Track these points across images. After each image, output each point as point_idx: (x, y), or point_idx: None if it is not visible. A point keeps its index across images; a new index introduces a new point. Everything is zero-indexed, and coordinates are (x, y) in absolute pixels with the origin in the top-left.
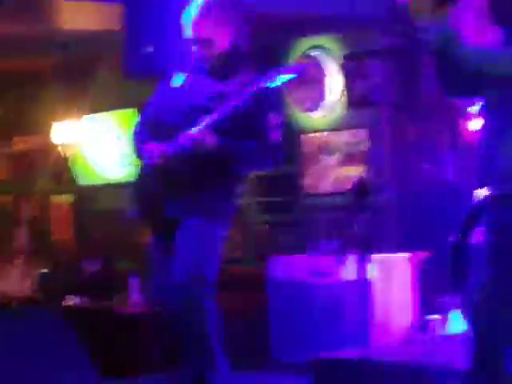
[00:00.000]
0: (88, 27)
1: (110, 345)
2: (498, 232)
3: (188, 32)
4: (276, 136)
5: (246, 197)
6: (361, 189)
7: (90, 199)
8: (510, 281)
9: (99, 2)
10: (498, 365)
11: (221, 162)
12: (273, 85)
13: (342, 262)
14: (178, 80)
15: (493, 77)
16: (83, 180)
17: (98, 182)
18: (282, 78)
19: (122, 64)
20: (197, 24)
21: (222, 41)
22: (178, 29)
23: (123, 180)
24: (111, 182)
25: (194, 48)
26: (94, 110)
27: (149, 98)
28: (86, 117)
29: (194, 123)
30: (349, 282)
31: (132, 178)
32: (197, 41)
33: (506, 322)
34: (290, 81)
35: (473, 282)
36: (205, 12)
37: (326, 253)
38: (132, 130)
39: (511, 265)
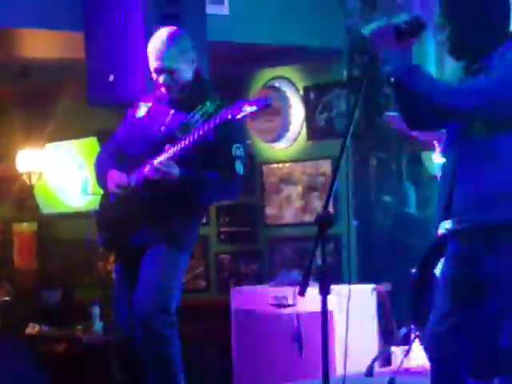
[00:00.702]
0: (50, 55)
1: (72, 373)
2: (458, 265)
3: (152, 62)
4: (239, 167)
5: (209, 227)
6: (323, 220)
7: (52, 227)
8: (468, 313)
9: (61, 30)
10: None
11: (184, 192)
12: (236, 117)
13: (303, 293)
14: (142, 110)
15: (451, 112)
16: (46, 208)
17: (61, 210)
18: (246, 111)
19: (86, 92)
20: (160, 54)
21: (186, 71)
22: (141, 58)
23: (85, 208)
24: (73, 210)
25: (157, 78)
26: (57, 138)
27: (113, 127)
28: (49, 145)
29: (157, 153)
30: (310, 313)
31: (94, 207)
32: (160, 71)
33: (465, 354)
34: (253, 113)
35: (433, 314)
36: (168, 43)
37: (288, 283)
38: (95, 158)
39: (471, 297)
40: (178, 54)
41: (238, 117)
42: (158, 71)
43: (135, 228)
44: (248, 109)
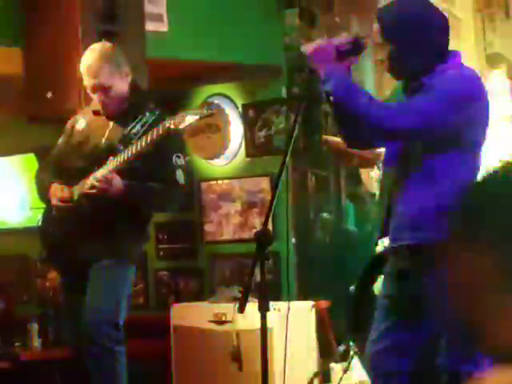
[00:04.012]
0: None
1: None
2: (395, 283)
3: (86, 80)
4: (180, 177)
5: (148, 243)
6: (262, 237)
7: None
8: (406, 331)
9: None
10: None
11: (128, 204)
12: (179, 127)
13: (242, 310)
14: (81, 123)
15: (389, 132)
16: None
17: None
18: (188, 120)
19: (24, 108)
20: (94, 72)
21: (121, 85)
22: (78, 73)
23: (23, 225)
24: (11, 226)
25: (93, 94)
26: None
27: (51, 143)
28: None
29: (99, 166)
30: (250, 330)
31: (34, 223)
32: (95, 89)
33: (403, 372)
34: (192, 123)
35: (372, 332)
36: (101, 60)
37: (228, 300)
38: (35, 172)
39: (409, 315)
40: (111, 70)
41: (181, 127)
42: (93, 89)
43: (80, 242)
44: (190, 118)
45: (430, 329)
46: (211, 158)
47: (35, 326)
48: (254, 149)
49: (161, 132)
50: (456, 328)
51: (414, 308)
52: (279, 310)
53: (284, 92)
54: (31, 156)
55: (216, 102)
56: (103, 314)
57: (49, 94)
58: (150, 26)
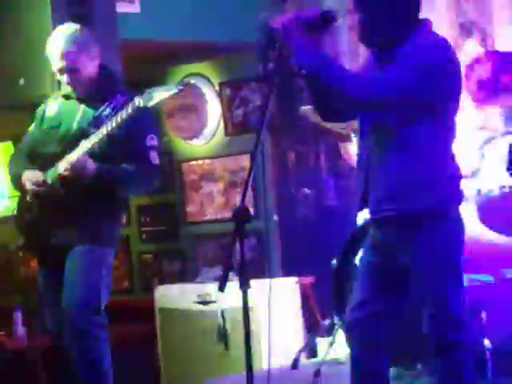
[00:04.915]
0: None
1: None
2: (376, 254)
3: (53, 62)
4: (154, 157)
5: (130, 226)
6: (240, 215)
7: None
8: (388, 301)
9: None
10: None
11: (102, 187)
12: (149, 104)
13: (222, 289)
14: (52, 108)
15: (363, 103)
16: None
17: None
18: (159, 97)
19: None
20: (60, 55)
21: (90, 67)
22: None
23: (2, 214)
24: None
25: (62, 77)
26: None
27: (25, 129)
28: None
29: (71, 150)
30: (234, 309)
31: (11, 211)
32: (63, 71)
33: (385, 341)
34: (165, 99)
35: (353, 300)
36: (67, 42)
37: (210, 280)
38: (8, 161)
39: (391, 285)
40: (78, 52)
41: (150, 104)
42: (61, 71)
43: (55, 228)
44: (159, 95)
45: (412, 298)
46: (190, 138)
47: (19, 315)
48: (233, 127)
49: (130, 111)
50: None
51: (395, 278)
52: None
53: (259, 69)
54: (8, 144)
55: (192, 81)
56: (83, 299)
57: (21, 81)
58: (121, 8)
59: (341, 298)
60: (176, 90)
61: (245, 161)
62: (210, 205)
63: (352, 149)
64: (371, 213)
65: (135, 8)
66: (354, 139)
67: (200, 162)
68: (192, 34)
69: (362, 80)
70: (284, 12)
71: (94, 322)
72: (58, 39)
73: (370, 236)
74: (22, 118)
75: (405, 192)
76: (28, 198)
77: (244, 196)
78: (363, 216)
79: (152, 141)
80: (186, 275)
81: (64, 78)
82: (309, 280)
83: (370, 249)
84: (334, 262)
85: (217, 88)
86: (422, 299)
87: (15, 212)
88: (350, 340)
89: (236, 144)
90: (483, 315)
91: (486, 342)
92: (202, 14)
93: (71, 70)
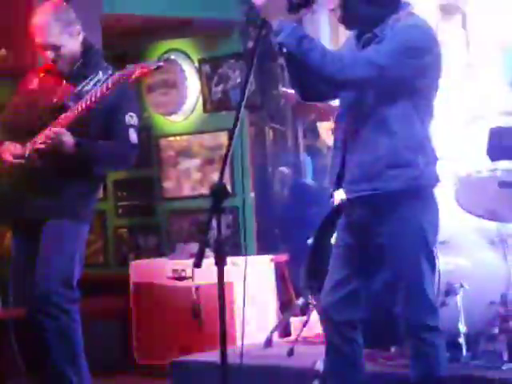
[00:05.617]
0: None
1: None
2: (351, 234)
3: (37, 38)
4: (133, 136)
5: (106, 201)
6: (218, 191)
7: None
8: (362, 281)
9: None
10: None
11: (79, 162)
12: (129, 78)
13: (199, 265)
14: (34, 81)
15: (341, 82)
16: None
17: None
18: (138, 71)
19: None
20: (43, 31)
21: (72, 44)
22: (29, 31)
23: None
24: None
25: (44, 52)
26: None
27: (6, 100)
28: None
29: (50, 124)
30: (209, 285)
31: None
32: (46, 47)
33: (360, 322)
34: (143, 74)
35: (327, 282)
36: (50, 18)
37: (186, 256)
38: None
39: (365, 266)
40: (61, 28)
41: (131, 79)
42: (44, 47)
43: (31, 200)
44: (140, 70)
45: (386, 279)
46: (169, 114)
47: None
48: (212, 104)
49: (110, 85)
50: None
51: (369, 258)
52: (236, 265)
53: (241, 46)
54: None
55: (172, 57)
56: (56, 273)
57: (2, 51)
58: None
59: (315, 278)
60: (156, 66)
61: (223, 138)
62: (187, 181)
63: (330, 128)
64: (347, 192)
65: None
66: (332, 118)
67: (178, 138)
68: (173, 9)
69: (340, 59)
70: None
71: (66, 296)
72: (41, 15)
73: (344, 216)
74: (3, 89)
75: (377, 172)
76: (4, 171)
77: (222, 173)
78: (339, 195)
79: (131, 119)
80: (161, 251)
81: (46, 54)
82: (283, 258)
83: (344, 229)
84: (310, 241)
85: (196, 64)
86: (396, 280)
87: None
88: (325, 322)
89: (214, 121)
90: (458, 298)
91: (461, 326)
92: None
93: (54, 47)
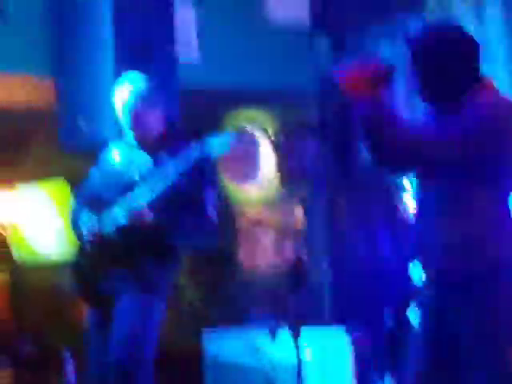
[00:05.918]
0: (19, 99)
1: None
2: (432, 317)
3: (122, 116)
4: (212, 212)
5: (182, 272)
6: (297, 268)
7: (26, 277)
8: (446, 368)
9: (29, 74)
10: None
11: (158, 237)
12: (210, 153)
13: (276, 339)
14: (116, 155)
15: (422, 157)
16: (20, 257)
17: (35, 258)
18: (219, 147)
19: (57, 138)
20: (131, 110)
21: (156, 124)
22: (112, 103)
23: (60, 257)
24: (47, 259)
25: (130, 132)
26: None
27: (86, 173)
28: (19, 189)
29: (130, 198)
30: (283, 362)
31: (69, 256)
32: (133, 126)
33: None
34: (225, 150)
35: (409, 367)
36: (139, 98)
37: (261, 329)
38: (69, 206)
39: (446, 351)
40: (146, 110)
41: (212, 154)
42: (127, 126)
43: (110, 276)
44: (220, 146)
45: (467, 364)
46: (245, 185)
47: (71, 360)
48: (287, 175)
49: (191, 163)
50: None
51: (446, 347)
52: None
53: (316, 118)
54: (62, 182)
55: (247, 127)
56: (131, 352)
57: (83, 123)
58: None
59: (395, 359)
60: (233, 139)
61: (297, 211)
62: (262, 254)
63: (410, 201)
64: (426, 273)
65: (194, 56)
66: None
67: (253, 210)
68: (249, 81)
69: (415, 137)
70: (342, 61)
71: (141, 371)
72: (127, 94)
73: (424, 297)
74: (82, 160)
75: (463, 254)
76: (85, 246)
77: (299, 247)
78: (419, 275)
79: (211, 196)
80: (235, 323)
81: (132, 133)
82: (360, 333)
83: (424, 311)
84: (389, 320)
85: (272, 136)
86: (475, 365)
87: (72, 258)
88: None
89: (290, 194)
90: None
91: None
92: (259, 62)
93: (138, 128)
